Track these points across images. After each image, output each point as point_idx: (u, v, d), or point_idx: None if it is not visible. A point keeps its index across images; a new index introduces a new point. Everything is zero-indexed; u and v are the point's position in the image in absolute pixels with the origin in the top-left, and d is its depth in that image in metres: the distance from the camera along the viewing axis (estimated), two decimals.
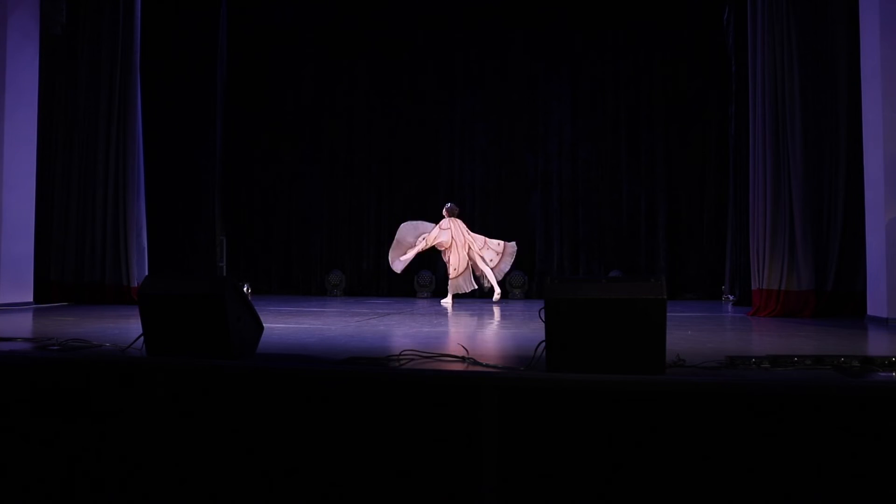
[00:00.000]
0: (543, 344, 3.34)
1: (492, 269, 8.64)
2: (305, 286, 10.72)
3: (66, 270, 8.57)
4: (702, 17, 9.31)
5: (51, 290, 8.44)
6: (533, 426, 2.87)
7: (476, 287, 8.85)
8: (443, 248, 8.74)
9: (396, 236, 8.85)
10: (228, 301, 3.62)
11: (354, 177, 10.71)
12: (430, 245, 8.69)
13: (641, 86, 9.87)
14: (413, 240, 8.74)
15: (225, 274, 10.09)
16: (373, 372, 3.38)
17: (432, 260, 10.35)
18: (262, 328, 4.05)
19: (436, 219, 10.56)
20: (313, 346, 4.75)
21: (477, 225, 10.29)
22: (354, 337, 5.42)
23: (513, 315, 7.22)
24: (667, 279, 3.41)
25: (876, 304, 6.29)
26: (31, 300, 7.99)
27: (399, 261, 8.78)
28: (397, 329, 5.97)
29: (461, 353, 4.01)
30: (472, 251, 8.66)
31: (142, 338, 3.82)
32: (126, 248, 8.39)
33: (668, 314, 3.24)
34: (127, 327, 5.61)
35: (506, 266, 8.80)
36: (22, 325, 6.03)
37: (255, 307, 4.01)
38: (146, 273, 8.29)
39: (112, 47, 8.51)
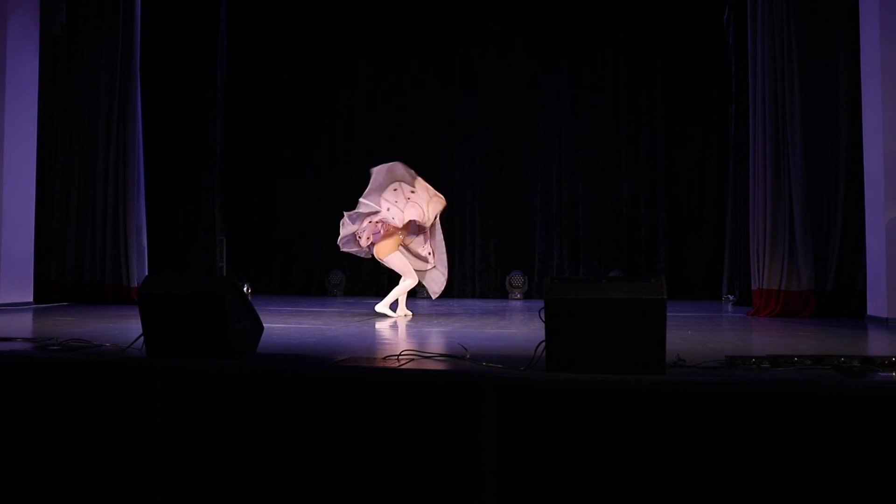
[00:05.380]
0: (543, 344, 3.34)
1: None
2: (305, 286, 10.71)
3: (66, 270, 8.57)
4: (702, 17, 9.30)
5: (51, 290, 8.44)
6: (533, 426, 2.87)
7: None
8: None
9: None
10: (228, 301, 3.62)
11: (354, 177, 10.69)
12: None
13: (641, 86, 9.87)
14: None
15: (225, 274, 10.08)
16: (373, 372, 3.38)
17: None
18: (262, 328, 4.05)
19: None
20: (313, 346, 4.75)
21: (476, 225, 10.31)
22: (354, 337, 5.42)
23: (513, 315, 7.22)
24: (667, 279, 3.40)
25: (876, 304, 6.29)
26: (31, 300, 7.98)
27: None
28: (397, 329, 5.97)
29: (461, 353, 4.01)
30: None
31: (142, 338, 3.82)
32: (126, 248, 8.39)
33: (668, 314, 3.24)
34: (127, 327, 5.61)
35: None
36: (22, 325, 6.03)
37: (255, 307, 4.01)
38: (146, 273, 8.29)
39: (112, 47, 8.51)
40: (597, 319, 3.24)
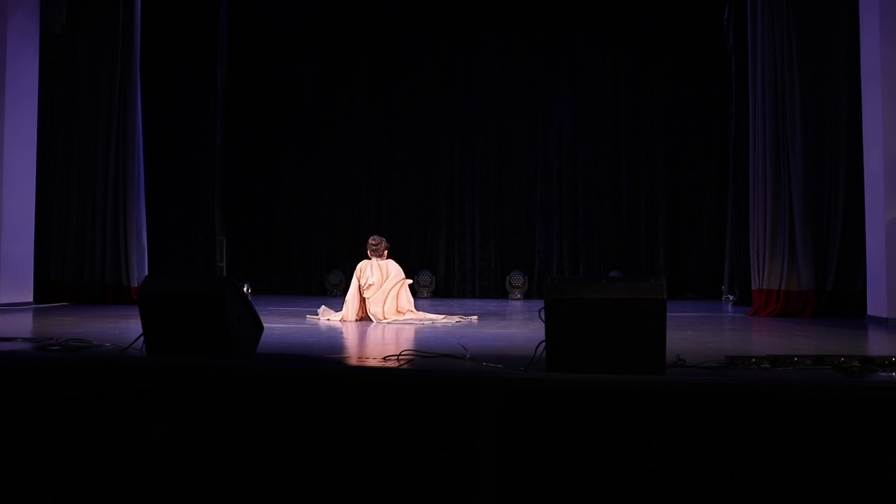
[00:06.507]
0: (543, 344, 3.34)
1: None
2: (305, 286, 10.71)
3: (66, 270, 8.57)
4: (702, 17, 9.30)
5: (51, 290, 8.43)
6: (533, 426, 2.87)
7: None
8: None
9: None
10: (228, 301, 3.62)
11: (354, 176, 10.72)
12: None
13: (641, 86, 9.86)
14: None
15: (225, 274, 10.08)
16: (373, 372, 3.38)
17: (432, 259, 10.37)
18: (262, 328, 4.05)
19: (433, 217, 10.61)
20: (313, 346, 4.75)
21: (476, 225, 10.30)
22: (354, 337, 5.42)
23: (513, 315, 7.22)
24: (667, 279, 3.40)
25: (876, 304, 6.29)
26: (31, 300, 7.98)
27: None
28: (397, 329, 5.97)
29: (461, 353, 4.01)
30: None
31: (142, 338, 3.82)
32: (126, 248, 8.39)
33: (668, 314, 3.24)
34: (127, 327, 5.61)
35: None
36: (22, 325, 6.03)
37: (255, 307, 4.01)
38: (146, 273, 8.29)
39: (112, 47, 8.50)
40: (597, 319, 3.24)
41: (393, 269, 6.80)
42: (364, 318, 6.66)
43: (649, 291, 3.23)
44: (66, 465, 3.23)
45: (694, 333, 5.30)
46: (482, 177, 10.33)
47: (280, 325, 6.05)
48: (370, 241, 6.97)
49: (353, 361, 4.23)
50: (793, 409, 2.71)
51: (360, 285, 6.69)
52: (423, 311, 6.83)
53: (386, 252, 6.96)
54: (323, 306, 6.95)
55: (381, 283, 6.68)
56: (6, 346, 4.38)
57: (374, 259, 6.85)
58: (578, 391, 2.88)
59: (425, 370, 3.55)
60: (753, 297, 7.16)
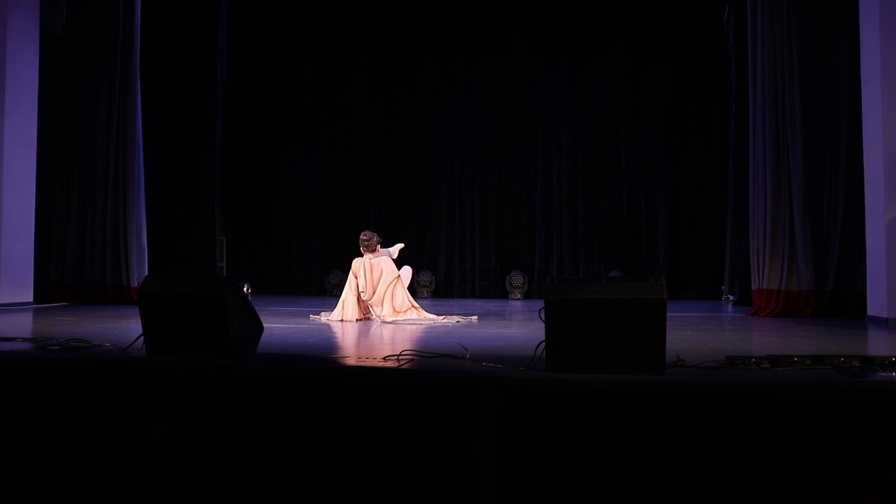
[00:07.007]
0: (543, 344, 3.34)
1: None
2: (305, 286, 10.71)
3: (66, 270, 8.57)
4: (702, 17, 9.30)
5: (51, 290, 8.43)
6: (533, 426, 2.87)
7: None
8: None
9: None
10: (228, 301, 3.62)
11: (354, 176, 10.72)
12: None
13: (641, 86, 9.86)
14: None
15: (225, 274, 10.08)
16: (373, 372, 3.39)
17: (432, 259, 10.37)
18: (262, 328, 4.05)
19: (433, 217, 10.60)
20: (313, 346, 4.75)
21: (476, 225, 10.30)
22: (354, 337, 5.42)
23: (513, 315, 7.22)
24: (667, 279, 3.40)
25: (876, 304, 6.29)
26: (31, 300, 7.98)
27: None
28: (397, 329, 5.97)
29: (461, 353, 4.01)
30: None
31: (142, 338, 3.82)
32: (126, 248, 8.39)
33: (668, 314, 3.24)
34: (127, 327, 5.61)
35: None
36: (22, 325, 6.03)
37: (255, 307, 4.01)
38: (146, 273, 8.29)
39: (112, 47, 8.50)
40: (597, 319, 3.24)
41: (386, 267, 6.72)
42: (364, 318, 6.66)
43: (649, 291, 3.23)
44: (66, 465, 3.23)
45: (694, 333, 5.30)
46: (482, 177, 10.32)
47: (280, 325, 6.05)
48: (362, 236, 6.90)
49: (353, 361, 4.23)
50: (793, 409, 2.71)
51: (358, 285, 6.68)
52: (424, 310, 6.81)
53: (378, 248, 6.90)
54: (322, 312, 6.96)
55: (374, 287, 6.63)
56: (6, 346, 4.37)
57: (366, 256, 6.79)
58: (578, 391, 2.88)
59: (425, 370, 3.55)
60: (753, 297, 7.16)
